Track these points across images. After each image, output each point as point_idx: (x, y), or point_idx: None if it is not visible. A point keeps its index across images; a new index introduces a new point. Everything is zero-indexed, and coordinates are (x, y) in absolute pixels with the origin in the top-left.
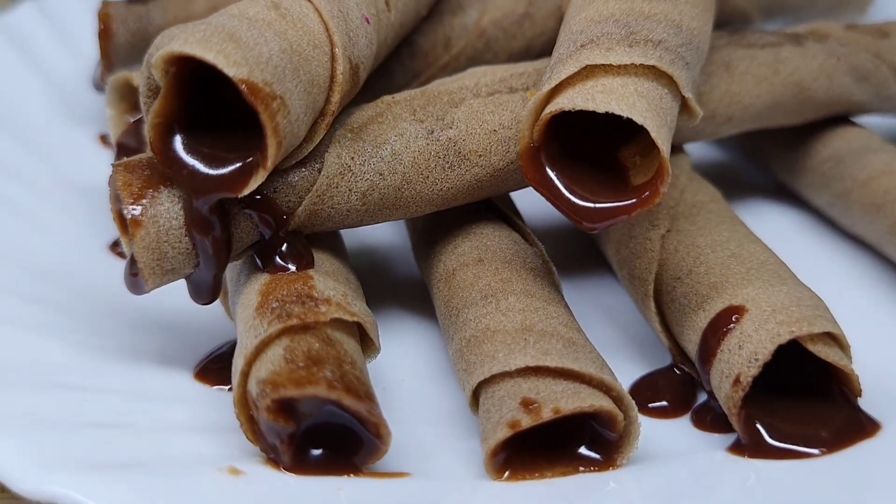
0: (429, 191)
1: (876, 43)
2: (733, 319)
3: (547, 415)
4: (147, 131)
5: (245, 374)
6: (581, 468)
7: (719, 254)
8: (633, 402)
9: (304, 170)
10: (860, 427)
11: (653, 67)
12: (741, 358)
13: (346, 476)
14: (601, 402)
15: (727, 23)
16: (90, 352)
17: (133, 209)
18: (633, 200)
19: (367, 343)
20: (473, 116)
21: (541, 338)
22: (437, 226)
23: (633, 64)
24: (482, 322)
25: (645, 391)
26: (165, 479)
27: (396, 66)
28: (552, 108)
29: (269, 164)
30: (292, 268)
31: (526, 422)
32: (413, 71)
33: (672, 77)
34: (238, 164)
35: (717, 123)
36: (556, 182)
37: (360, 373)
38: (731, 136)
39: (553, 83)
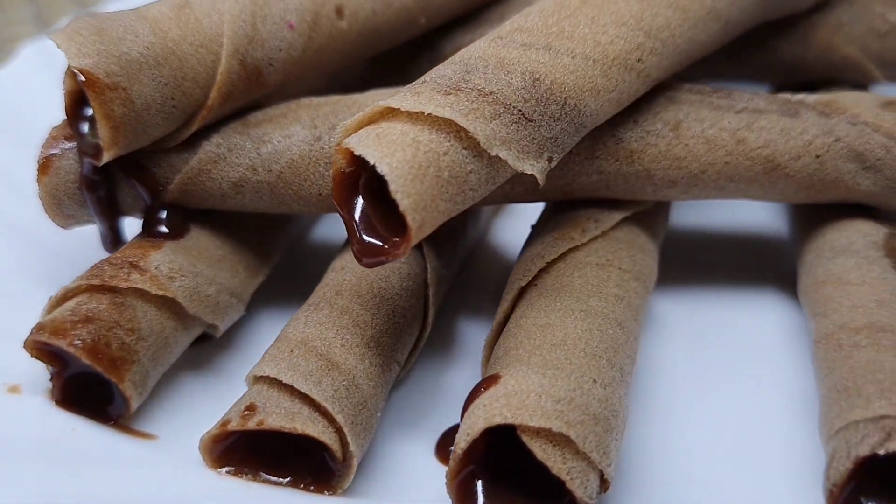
0: (306, 193)
1: None
2: (482, 388)
3: (251, 425)
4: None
5: (47, 313)
6: (303, 485)
7: (538, 320)
8: (356, 439)
9: (184, 153)
10: None
11: (448, 119)
12: (464, 427)
13: (97, 421)
14: (311, 429)
15: (840, 79)
16: None
17: (44, 155)
18: (386, 247)
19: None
20: None
21: (305, 353)
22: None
23: (422, 112)
24: (298, 326)
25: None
26: None
27: (415, 69)
28: (343, 140)
29: (106, 144)
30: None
31: (233, 424)
32: None
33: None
34: (96, 141)
35: (655, 185)
36: (356, 208)
37: (132, 340)
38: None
39: (357, 119)
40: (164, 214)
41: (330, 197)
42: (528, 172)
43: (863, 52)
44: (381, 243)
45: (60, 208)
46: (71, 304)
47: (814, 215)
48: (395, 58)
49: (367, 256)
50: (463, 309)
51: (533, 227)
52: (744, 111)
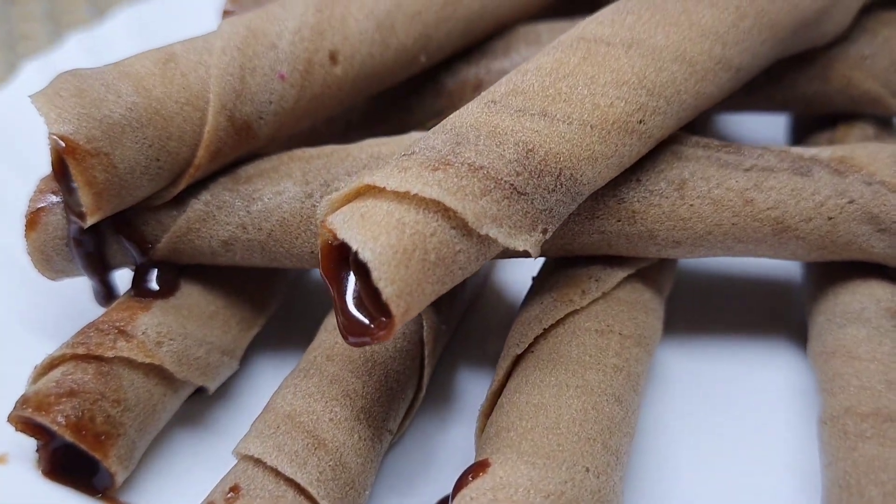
0: (298, 250)
1: None
2: (470, 476)
3: None
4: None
5: (32, 383)
6: None
7: (532, 398)
8: None
9: (172, 210)
10: None
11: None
12: None
13: (84, 493)
14: None
15: (861, 112)
16: None
17: (31, 210)
18: (372, 327)
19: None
20: None
21: (292, 429)
22: None
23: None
24: (286, 396)
25: None
26: None
27: (417, 102)
28: (326, 217)
29: (89, 210)
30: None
31: None
32: (436, 108)
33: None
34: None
35: (659, 245)
36: (344, 282)
37: (118, 412)
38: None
39: (342, 193)
40: (154, 273)
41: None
42: (521, 249)
43: (885, 87)
44: (367, 322)
45: (49, 264)
46: (56, 373)
47: (827, 271)
48: (397, 91)
49: (353, 335)
50: (461, 362)
51: (534, 279)
52: (753, 169)
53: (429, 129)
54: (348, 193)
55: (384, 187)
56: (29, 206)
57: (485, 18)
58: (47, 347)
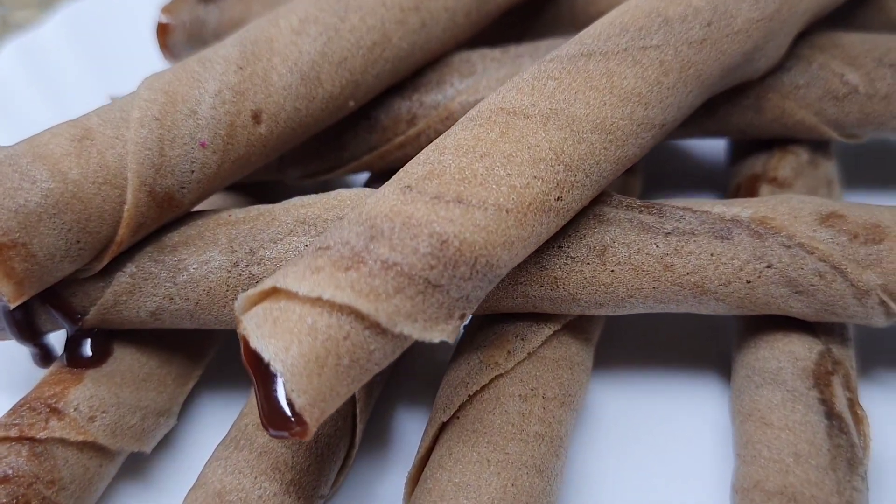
0: (226, 317)
1: (854, 249)
2: None
3: None
4: None
5: None
6: None
7: (454, 476)
8: None
9: (99, 282)
10: None
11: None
12: None
13: None
14: None
15: (794, 138)
16: None
17: None
18: (293, 420)
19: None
20: (286, 257)
21: None
22: None
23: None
24: (217, 471)
25: None
26: None
27: (351, 138)
28: (242, 315)
29: (11, 298)
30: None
31: None
32: (370, 144)
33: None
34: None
35: (583, 307)
36: (265, 375)
37: (53, 493)
38: None
39: (255, 291)
40: (86, 342)
41: None
42: (437, 340)
43: (818, 115)
44: (289, 414)
45: None
46: None
47: (752, 320)
48: (330, 129)
49: (273, 427)
50: (394, 407)
51: (464, 327)
52: (673, 233)
53: (364, 164)
54: (263, 291)
55: (296, 293)
56: None
57: (414, 56)
58: None
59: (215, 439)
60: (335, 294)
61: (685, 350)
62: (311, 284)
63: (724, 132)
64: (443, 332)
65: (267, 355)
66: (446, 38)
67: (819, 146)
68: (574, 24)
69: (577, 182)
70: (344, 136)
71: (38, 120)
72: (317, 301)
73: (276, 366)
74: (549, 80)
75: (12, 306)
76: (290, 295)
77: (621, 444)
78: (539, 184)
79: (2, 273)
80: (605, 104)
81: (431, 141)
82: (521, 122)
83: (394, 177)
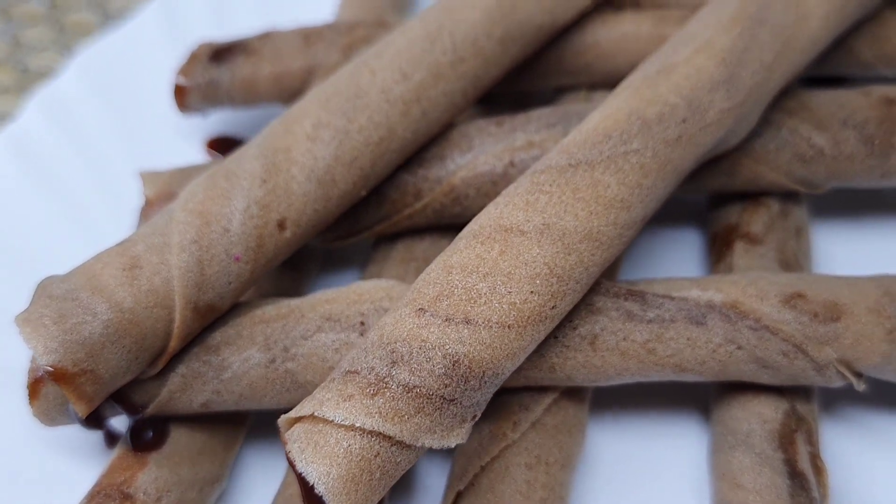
0: (267, 405)
1: (814, 328)
2: None
3: None
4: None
5: None
6: None
7: None
8: None
9: (156, 381)
10: None
11: None
12: None
13: None
14: None
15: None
16: None
17: (31, 380)
18: None
19: None
20: (316, 352)
21: None
22: None
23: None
24: None
25: None
26: None
27: (362, 211)
28: (285, 434)
29: (82, 412)
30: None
31: None
32: (380, 216)
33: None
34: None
35: (577, 382)
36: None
37: None
38: None
39: (295, 413)
40: (147, 431)
41: (287, 406)
42: (453, 445)
43: (788, 176)
44: None
45: (54, 422)
46: None
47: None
48: None
49: None
50: (415, 471)
51: None
52: (654, 321)
53: (375, 233)
54: (301, 415)
55: (332, 420)
56: (29, 375)
57: (418, 141)
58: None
59: (261, 491)
60: (366, 422)
61: (672, 394)
62: (344, 413)
63: (700, 192)
64: (457, 437)
65: (311, 479)
66: (446, 119)
67: (789, 194)
68: (561, 74)
69: (569, 290)
70: (357, 209)
71: (64, 172)
72: (350, 427)
73: (319, 489)
74: (541, 195)
75: (84, 415)
76: (327, 421)
77: (613, 487)
78: (536, 298)
79: (75, 397)
80: (591, 214)
81: (436, 213)
82: (518, 240)
83: (408, 296)
